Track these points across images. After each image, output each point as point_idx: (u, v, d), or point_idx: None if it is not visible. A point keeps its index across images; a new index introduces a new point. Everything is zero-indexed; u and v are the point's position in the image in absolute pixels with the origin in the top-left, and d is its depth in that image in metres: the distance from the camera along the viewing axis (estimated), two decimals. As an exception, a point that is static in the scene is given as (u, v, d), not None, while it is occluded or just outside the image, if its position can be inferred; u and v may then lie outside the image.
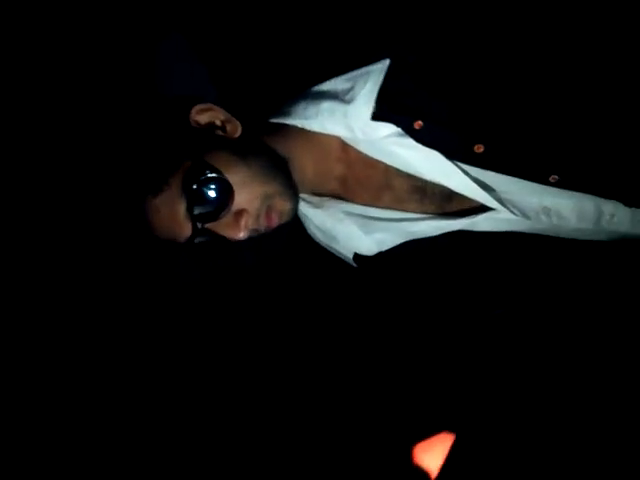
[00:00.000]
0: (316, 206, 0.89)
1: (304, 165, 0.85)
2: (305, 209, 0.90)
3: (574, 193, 0.79)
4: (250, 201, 0.77)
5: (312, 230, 0.91)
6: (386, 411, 0.94)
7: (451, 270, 0.84)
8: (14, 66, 0.99)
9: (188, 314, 1.04)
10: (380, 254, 0.86)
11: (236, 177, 0.77)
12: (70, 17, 0.99)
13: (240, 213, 0.77)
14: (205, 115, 0.82)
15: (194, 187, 0.75)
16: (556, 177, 0.78)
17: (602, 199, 0.79)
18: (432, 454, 0.85)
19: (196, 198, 0.75)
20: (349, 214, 0.87)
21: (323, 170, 0.87)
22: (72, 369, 0.99)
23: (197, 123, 0.82)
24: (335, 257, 0.91)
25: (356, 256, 0.88)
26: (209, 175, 0.75)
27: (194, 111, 0.81)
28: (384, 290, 0.91)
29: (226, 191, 0.76)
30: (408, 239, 0.85)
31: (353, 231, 0.87)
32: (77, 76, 0.98)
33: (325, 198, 0.90)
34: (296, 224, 0.91)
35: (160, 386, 1.00)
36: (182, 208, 0.76)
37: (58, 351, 0.99)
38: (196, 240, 0.78)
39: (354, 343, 0.99)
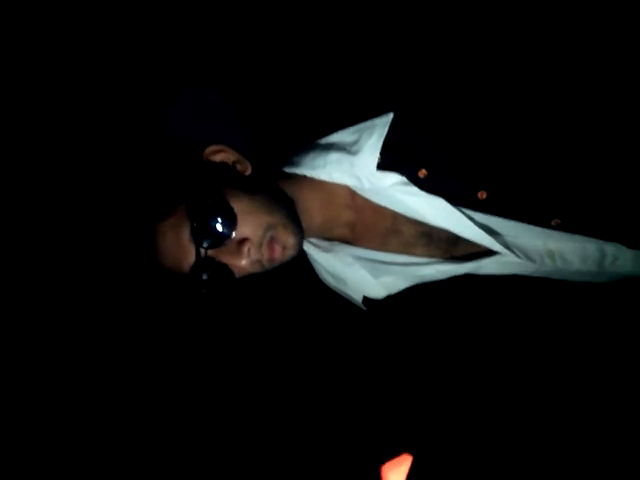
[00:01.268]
0: (326, 250, 0.92)
1: (312, 210, 0.88)
2: (315, 253, 0.92)
3: (577, 236, 0.81)
4: (253, 230, 0.79)
5: (322, 274, 0.93)
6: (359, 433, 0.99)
7: (458, 313, 0.86)
8: (37, 89, 1.06)
9: (195, 350, 1.07)
10: (389, 297, 0.88)
11: (240, 206, 0.79)
12: (101, 53, 1.07)
13: (243, 241, 0.79)
14: (218, 155, 0.86)
15: (198, 212, 0.78)
16: (558, 221, 0.80)
17: (605, 242, 0.81)
18: (397, 472, 0.90)
19: (200, 223, 0.78)
20: (358, 258, 0.89)
21: (331, 216, 0.90)
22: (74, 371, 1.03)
23: (211, 162, 0.85)
24: (345, 300, 0.93)
25: (365, 299, 0.90)
26: (213, 201, 0.78)
27: (207, 151, 0.85)
28: (392, 331, 0.93)
29: (229, 218, 0.78)
30: (416, 283, 0.87)
31: (362, 275, 0.89)
32: (106, 112, 1.06)
33: (334, 243, 0.92)
34: (307, 269, 0.94)
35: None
36: (186, 232, 0.78)
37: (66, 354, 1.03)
38: (200, 270, 0.80)
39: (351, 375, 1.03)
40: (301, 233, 0.84)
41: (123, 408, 1.04)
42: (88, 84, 1.07)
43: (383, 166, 0.81)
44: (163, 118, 1.00)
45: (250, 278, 0.83)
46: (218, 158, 0.86)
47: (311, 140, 0.88)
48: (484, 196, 0.80)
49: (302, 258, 0.92)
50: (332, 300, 0.94)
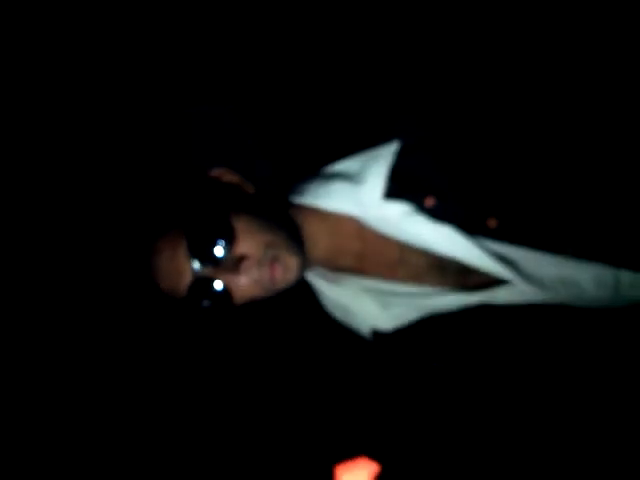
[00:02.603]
0: (332, 282, 0.89)
1: (317, 239, 0.85)
2: (321, 285, 0.90)
3: (591, 263, 0.79)
4: (253, 248, 0.76)
5: (329, 306, 0.91)
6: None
7: (472, 344, 0.83)
8: (37, 99, 1.06)
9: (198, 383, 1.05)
10: (398, 330, 0.85)
11: (241, 223, 0.77)
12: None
13: (242, 259, 0.76)
14: (220, 177, 0.85)
15: (196, 229, 0.76)
16: (571, 248, 0.78)
17: (619, 268, 0.78)
18: (353, 475, 0.88)
19: (197, 239, 0.75)
20: (366, 289, 0.87)
21: (337, 245, 0.87)
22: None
23: (212, 180, 0.84)
24: (352, 333, 0.90)
25: (374, 332, 0.87)
26: (212, 218, 0.76)
27: (210, 173, 0.84)
28: (401, 365, 0.90)
29: (228, 234, 0.76)
30: (427, 314, 0.84)
31: (370, 306, 0.86)
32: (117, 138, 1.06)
33: (341, 273, 0.90)
34: (312, 300, 0.92)
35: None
36: (183, 249, 0.76)
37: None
38: (197, 290, 0.76)
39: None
40: (303, 256, 0.81)
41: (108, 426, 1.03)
42: (93, 98, 1.07)
43: (389, 195, 0.79)
44: (170, 135, 0.99)
45: (254, 307, 0.81)
46: (221, 179, 0.84)
47: (316, 168, 0.87)
48: (494, 224, 0.78)
49: (307, 291, 0.90)
50: (338, 333, 0.91)
